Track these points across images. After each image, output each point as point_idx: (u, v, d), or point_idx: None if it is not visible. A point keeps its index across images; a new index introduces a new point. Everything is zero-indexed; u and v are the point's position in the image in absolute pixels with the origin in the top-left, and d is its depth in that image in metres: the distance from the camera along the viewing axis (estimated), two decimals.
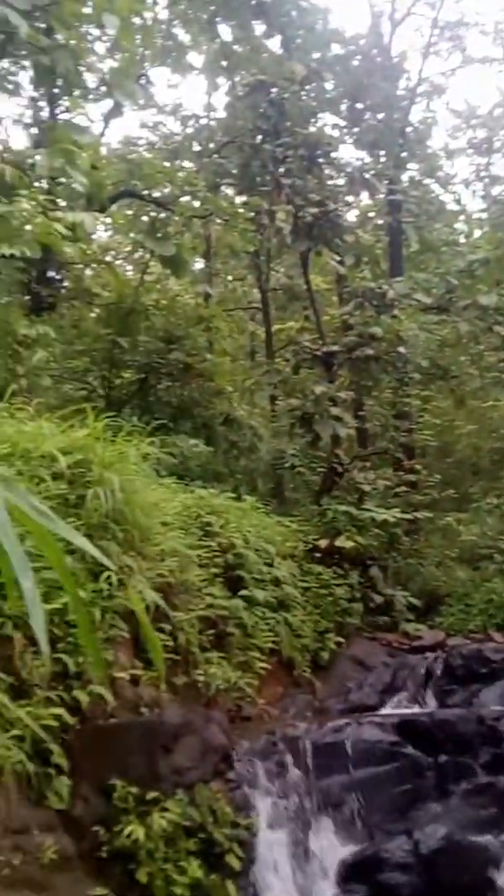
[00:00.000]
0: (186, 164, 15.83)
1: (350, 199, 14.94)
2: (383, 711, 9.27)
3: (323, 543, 11.14)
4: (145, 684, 7.26)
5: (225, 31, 16.98)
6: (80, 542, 1.65)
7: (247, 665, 8.82)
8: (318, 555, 11.12)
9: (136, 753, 6.44)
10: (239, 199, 15.00)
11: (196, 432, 13.69)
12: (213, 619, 8.60)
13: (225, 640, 8.75)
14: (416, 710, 9.26)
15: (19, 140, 20.85)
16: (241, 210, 13.78)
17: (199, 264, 18.81)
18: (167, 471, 9.84)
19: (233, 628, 8.83)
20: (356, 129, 17.89)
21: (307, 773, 7.53)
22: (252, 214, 13.70)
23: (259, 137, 14.31)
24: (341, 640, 10.37)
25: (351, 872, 7.17)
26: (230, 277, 22.14)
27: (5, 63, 13.93)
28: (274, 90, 13.88)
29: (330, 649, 10.16)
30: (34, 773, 5.84)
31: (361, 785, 7.73)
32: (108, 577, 6.89)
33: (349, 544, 11.04)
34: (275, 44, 17.63)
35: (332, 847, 7.41)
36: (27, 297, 14.14)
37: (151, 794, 6.22)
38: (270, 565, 9.87)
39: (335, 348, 13.04)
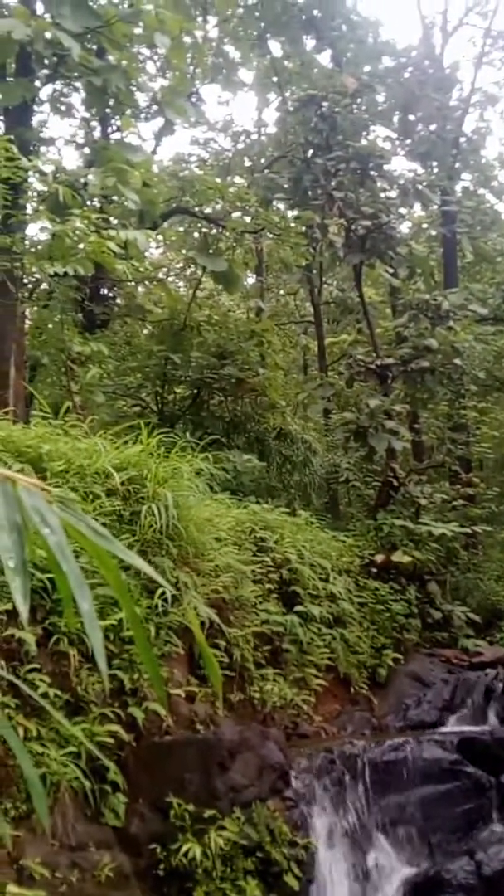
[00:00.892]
0: (238, 179, 15.92)
1: (403, 210, 14.83)
2: (443, 729, 9.09)
3: (379, 558, 11.00)
4: (201, 701, 7.22)
5: (275, 47, 17.07)
6: (137, 563, 1.61)
7: (303, 682, 8.74)
8: (374, 570, 10.97)
9: (192, 771, 6.38)
10: (291, 214, 15.01)
11: (249, 447, 13.67)
12: (268, 635, 8.54)
13: (280, 657, 8.68)
14: (476, 728, 9.06)
15: (71, 160, 21.14)
16: (293, 224, 13.77)
17: (250, 279, 18.87)
18: (220, 486, 9.81)
19: (288, 644, 8.75)
20: (408, 141, 17.81)
21: (366, 792, 7.41)
22: (304, 228, 13.67)
23: (310, 151, 14.31)
24: (399, 656, 10.21)
25: (411, 893, 7.01)
26: (282, 292, 22.17)
27: (58, 85, 14.17)
28: (325, 104, 13.87)
29: (387, 666, 10.00)
30: (90, 790, 5.84)
31: (421, 804, 7.58)
32: (163, 593, 6.88)
33: (406, 559, 10.88)
34: (325, 58, 17.70)
35: (391, 867, 7.26)
36: (80, 315, 14.30)
37: (208, 812, 6.17)
38: (326, 581, 9.77)
39: (389, 361, 12.92)
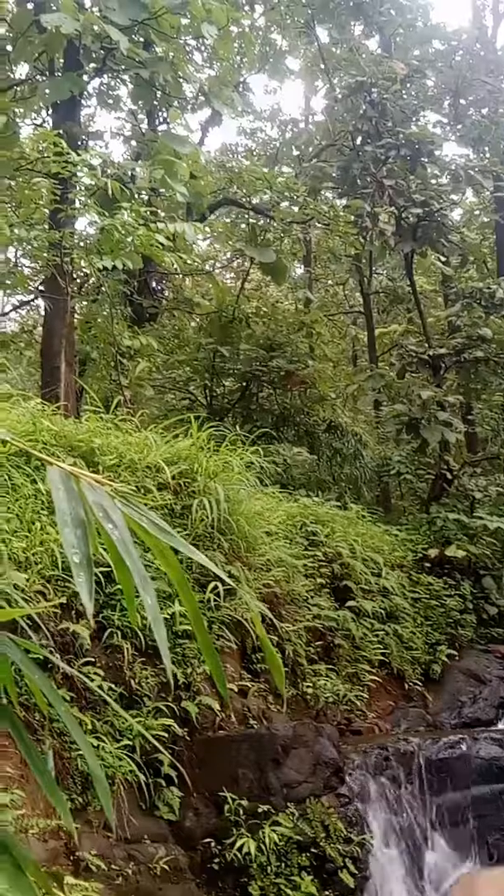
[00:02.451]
0: (285, 169, 15.79)
1: (455, 197, 14.55)
2: (500, 727, 8.94)
3: (433, 553, 10.84)
4: (253, 696, 7.18)
5: (322, 34, 16.90)
6: (199, 558, 1.55)
7: (356, 677, 8.64)
8: (427, 565, 10.82)
9: (245, 766, 6.34)
10: (340, 203, 14.84)
11: (299, 440, 13.59)
12: (320, 630, 8.46)
13: (333, 652, 8.60)
14: None
15: (119, 153, 21.19)
16: (342, 213, 13.61)
17: (298, 270, 18.74)
18: (270, 479, 9.75)
19: (341, 640, 8.67)
20: (460, 126, 17.50)
21: (421, 789, 7.31)
22: (353, 217, 13.51)
23: (360, 139, 14.12)
24: (454, 652, 10.06)
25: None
26: (331, 282, 22.00)
27: (105, 78, 14.18)
28: (374, 90, 13.67)
29: (442, 662, 9.86)
30: (145, 784, 5.83)
31: (478, 802, 7.46)
32: (215, 587, 6.84)
33: (460, 553, 10.71)
34: (374, 43, 17.47)
35: (447, 866, 7.16)
36: (129, 309, 14.32)
37: (262, 808, 6.13)
38: (378, 575, 9.66)
39: (442, 351, 12.72)
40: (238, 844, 5.91)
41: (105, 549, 1.53)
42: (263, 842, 5.95)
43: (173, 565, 1.56)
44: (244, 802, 6.12)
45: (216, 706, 6.54)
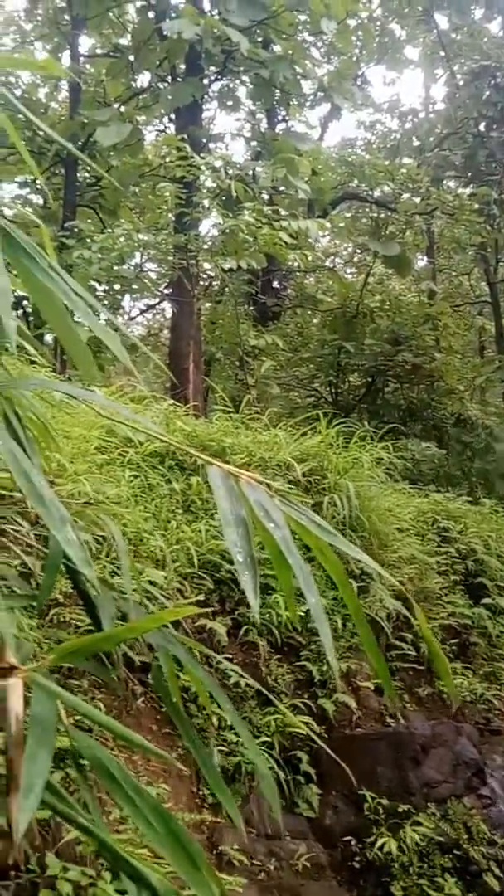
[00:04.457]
0: (407, 160, 15.55)
1: None
2: None
3: None
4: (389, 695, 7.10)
5: (442, 21, 16.54)
6: (363, 557, 1.54)
7: (493, 676, 8.42)
8: None
9: (384, 764, 6.28)
10: (464, 192, 14.50)
11: (427, 434, 13.37)
12: (455, 628, 8.30)
13: (468, 650, 8.41)
14: None
15: (239, 153, 21.36)
16: (467, 202, 13.30)
17: (421, 261, 18.43)
18: (399, 475, 9.63)
19: (477, 638, 8.47)
20: None
21: None
22: (479, 205, 13.18)
23: (484, 125, 13.77)
24: None
25: None
26: (455, 272, 21.53)
27: (224, 80, 14.33)
28: (498, 74, 13.30)
29: None
30: (284, 781, 5.86)
31: None
32: (350, 583, 6.80)
33: None
34: (496, 26, 16.97)
35: None
36: (253, 308, 14.42)
37: (402, 807, 6.05)
38: None
39: None
40: (379, 843, 5.85)
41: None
42: (405, 841, 5.88)
43: (333, 563, 1.56)
44: (384, 801, 6.05)
45: (353, 704, 6.51)
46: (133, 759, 4.89)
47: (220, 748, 5.62)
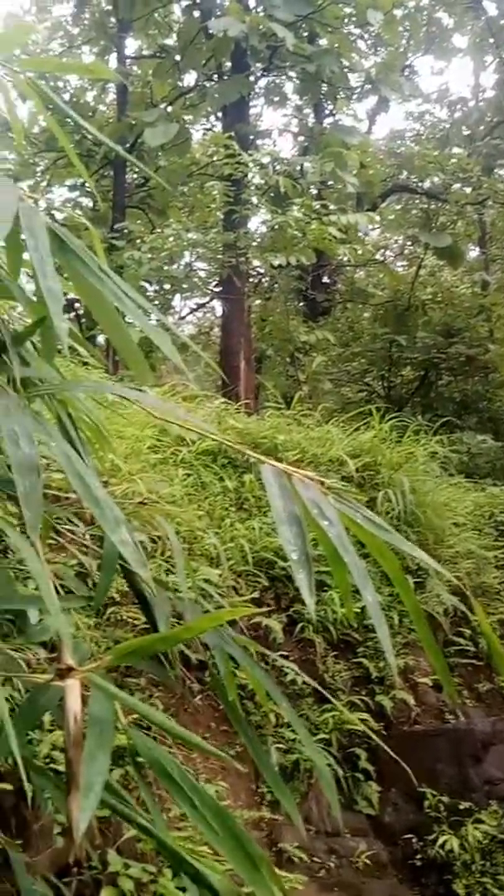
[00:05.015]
0: (456, 150, 15.32)
1: None
2: None
3: None
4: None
5: (490, 7, 16.29)
6: (419, 554, 1.52)
7: None
8: None
9: (444, 761, 6.22)
10: None
11: (482, 427, 13.19)
12: None
13: None
14: None
15: (286, 149, 21.32)
16: None
17: (474, 252, 18.18)
18: (455, 469, 9.51)
19: None
20: None
21: None
22: None
23: None
24: None
25: None
26: None
27: (271, 76, 14.30)
28: None
29: None
30: (343, 778, 5.84)
31: None
32: (405, 579, 6.74)
33: None
34: None
35: None
36: (303, 304, 14.38)
37: (463, 805, 5.99)
38: None
39: None
40: (440, 841, 5.80)
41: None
42: (466, 839, 5.82)
43: (390, 560, 1.54)
44: (444, 798, 6.00)
45: (411, 700, 6.46)
46: (192, 756, 4.92)
47: (278, 745, 5.62)
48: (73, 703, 1.32)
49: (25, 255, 1.77)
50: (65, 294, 2.09)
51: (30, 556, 1.35)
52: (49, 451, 1.46)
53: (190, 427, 1.93)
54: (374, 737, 6.15)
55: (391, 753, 6.19)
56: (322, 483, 1.55)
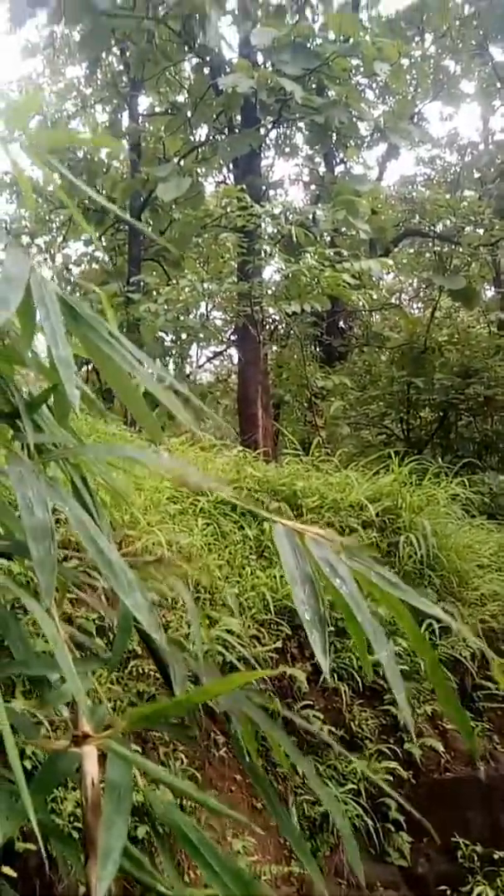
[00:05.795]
0: (468, 193, 15.50)
1: None
2: None
3: None
4: (478, 736, 6.91)
5: (496, 52, 16.57)
6: (435, 611, 1.52)
7: None
8: None
9: (476, 809, 6.11)
10: None
11: None
12: None
13: None
14: None
15: (298, 198, 21.64)
16: None
17: (489, 292, 18.26)
18: (477, 510, 9.45)
19: None
20: None
21: None
22: None
23: None
24: None
25: None
26: None
27: (281, 128, 14.58)
28: None
29: None
30: (373, 829, 5.73)
31: None
32: (430, 625, 6.68)
33: None
34: None
35: None
36: (319, 350, 14.48)
37: (498, 854, 5.86)
38: None
39: None
40: (476, 892, 5.67)
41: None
42: (502, 890, 5.69)
43: (405, 617, 1.54)
44: (478, 848, 5.88)
45: (440, 747, 6.36)
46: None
47: (306, 797, 5.55)
48: (91, 770, 1.32)
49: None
50: (76, 356, 2.13)
51: (45, 621, 1.37)
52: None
53: (204, 487, 1.95)
54: (403, 785, 6.06)
55: (420, 802, 6.10)
56: (335, 541, 1.56)
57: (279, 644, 5.90)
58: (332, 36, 11.21)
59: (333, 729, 6.01)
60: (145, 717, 1.30)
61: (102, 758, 1.38)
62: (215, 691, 1.35)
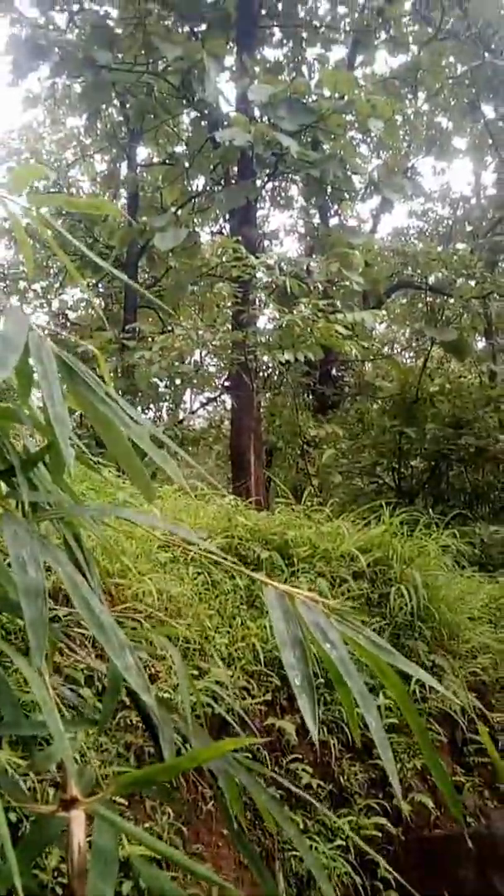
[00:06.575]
0: (460, 246, 15.76)
1: None
2: None
3: None
4: (468, 792, 6.83)
5: (488, 110, 16.96)
6: (422, 675, 1.53)
7: None
8: None
9: (467, 868, 6.00)
10: None
11: (495, 517, 13.15)
12: None
13: None
14: None
15: (293, 248, 21.93)
16: None
17: (480, 343, 18.46)
18: (467, 561, 9.45)
19: None
20: None
21: None
22: None
23: None
24: None
25: None
26: None
27: (277, 181, 14.83)
28: None
29: None
30: (361, 887, 5.64)
31: None
32: (420, 679, 6.64)
33: None
34: None
35: None
36: (312, 398, 14.56)
37: None
38: None
39: None
40: None
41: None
42: None
43: (393, 681, 1.55)
44: None
45: (430, 803, 6.28)
46: (209, 860, 4.78)
47: (294, 853, 5.46)
48: (78, 835, 1.32)
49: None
50: (72, 413, 2.16)
51: (35, 682, 1.37)
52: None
53: (194, 543, 1.96)
54: (393, 842, 5.96)
55: (410, 859, 6.00)
56: (325, 605, 1.57)
57: (268, 696, 5.85)
58: (327, 93, 11.46)
59: (322, 783, 5.93)
60: (133, 782, 1.30)
61: (89, 818, 1.37)
62: (204, 757, 1.35)
